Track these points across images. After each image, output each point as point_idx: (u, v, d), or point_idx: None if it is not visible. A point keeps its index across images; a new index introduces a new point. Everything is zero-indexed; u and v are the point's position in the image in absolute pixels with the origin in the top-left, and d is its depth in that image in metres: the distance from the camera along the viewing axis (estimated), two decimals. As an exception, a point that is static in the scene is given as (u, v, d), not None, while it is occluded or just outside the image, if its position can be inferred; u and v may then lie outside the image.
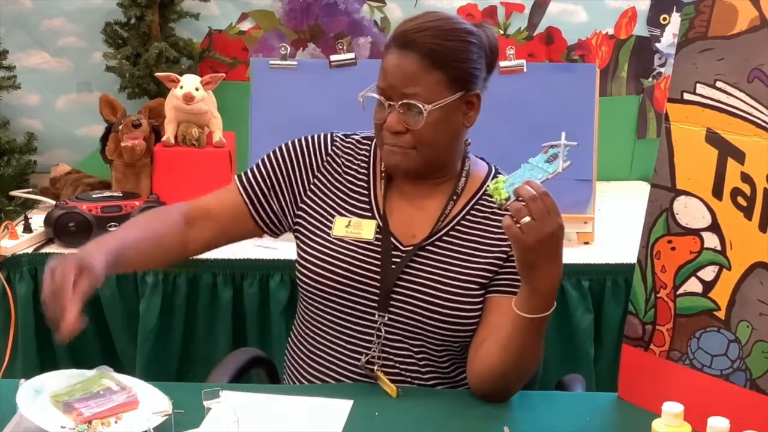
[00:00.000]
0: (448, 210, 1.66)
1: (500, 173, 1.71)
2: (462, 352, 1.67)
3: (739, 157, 1.43)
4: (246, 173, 1.75)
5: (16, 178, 3.04)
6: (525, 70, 2.59)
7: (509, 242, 1.44)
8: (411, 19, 1.62)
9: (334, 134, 1.75)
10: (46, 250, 2.48)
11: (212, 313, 2.45)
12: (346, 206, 1.69)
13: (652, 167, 1.56)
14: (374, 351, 1.63)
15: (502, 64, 2.59)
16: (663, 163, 1.53)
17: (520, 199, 1.39)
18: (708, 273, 1.48)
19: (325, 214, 1.69)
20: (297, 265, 1.70)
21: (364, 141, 1.74)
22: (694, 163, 1.49)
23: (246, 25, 3.28)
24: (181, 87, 2.75)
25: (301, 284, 1.69)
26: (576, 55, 3.29)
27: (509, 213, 1.40)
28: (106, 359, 2.50)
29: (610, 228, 2.69)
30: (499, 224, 1.52)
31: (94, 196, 2.60)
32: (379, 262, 1.63)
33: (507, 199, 1.42)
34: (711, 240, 1.47)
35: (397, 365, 1.64)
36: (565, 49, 3.29)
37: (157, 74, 2.86)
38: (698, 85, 1.48)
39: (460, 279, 1.61)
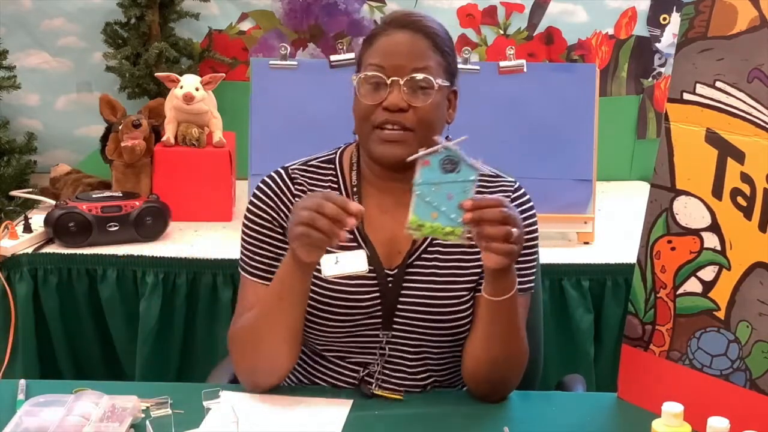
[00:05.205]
0: None
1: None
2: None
3: (739, 157, 1.43)
4: (244, 264, 1.61)
5: (16, 178, 3.04)
6: (525, 70, 2.58)
7: None
8: (398, 11, 1.60)
9: (288, 170, 1.63)
10: (46, 250, 2.47)
11: (212, 313, 2.45)
12: None
13: (652, 167, 1.56)
14: (374, 366, 1.61)
15: (501, 64, 2.59)
16: (663, 163, 1.53)
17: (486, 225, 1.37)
18: (708, 273, 1.48)
19: None
20: None
21: (325, 165, 1.65)
22: (693, 163, 1.49)
23: (246, 25, 3.28)
24: (181, 87, 2.75)
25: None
26: (576, 55, 3.29)
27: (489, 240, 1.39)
28: (105, 359, 2.51)
29: (610, 228, 2.69)
30: None
31: (94, 196, 2.60)
32: (376, 288, 1.58)
33: (460, 235, 1.38)
34: (711, 240, 1.47)
35: (392, 379, 1.62)
36: (565, 49, 3.29)
37: (157, 74, 2.86)
38: (698, 85, 1.48)
39: (454, 282, 1.60)
